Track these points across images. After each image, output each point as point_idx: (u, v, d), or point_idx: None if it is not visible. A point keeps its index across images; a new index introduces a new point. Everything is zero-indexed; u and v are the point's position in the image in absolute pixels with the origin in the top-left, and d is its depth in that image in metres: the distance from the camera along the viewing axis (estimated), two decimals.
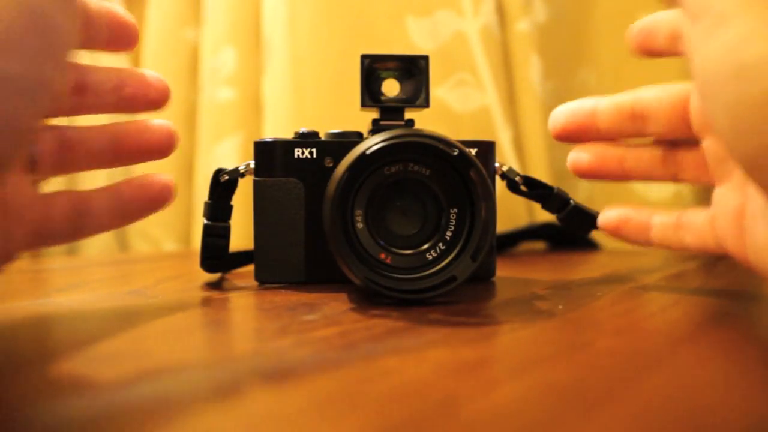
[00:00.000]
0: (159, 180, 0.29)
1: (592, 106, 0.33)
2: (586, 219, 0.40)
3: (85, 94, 0.27)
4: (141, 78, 0.28)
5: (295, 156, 0.37)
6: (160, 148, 0.28)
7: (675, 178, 0.33)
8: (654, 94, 0.32)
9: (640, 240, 0.34)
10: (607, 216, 0.35)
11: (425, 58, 0.35)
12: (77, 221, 0.26)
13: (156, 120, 0.29)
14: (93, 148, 0.27)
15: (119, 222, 0.28)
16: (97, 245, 0.77)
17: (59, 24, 0.19)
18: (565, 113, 0.34)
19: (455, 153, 0.30)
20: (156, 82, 0.28)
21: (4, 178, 0.23)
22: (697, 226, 0.31)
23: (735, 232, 0.29)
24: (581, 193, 0.68)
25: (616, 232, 0.34)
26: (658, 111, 0.31)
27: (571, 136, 0.34)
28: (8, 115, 0.18)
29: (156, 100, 0.28)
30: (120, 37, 0.28)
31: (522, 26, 0.66)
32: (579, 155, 0.34)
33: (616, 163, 0.34)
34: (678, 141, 0.32)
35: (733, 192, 0.29)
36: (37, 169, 0.26)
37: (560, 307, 0.30)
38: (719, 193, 0.30)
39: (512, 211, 0.63)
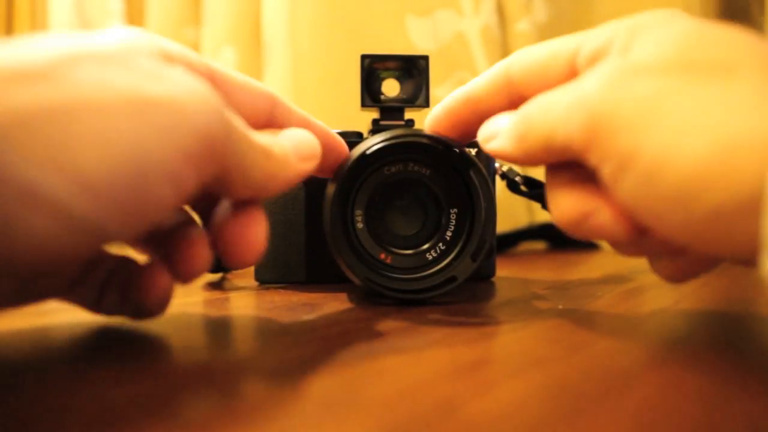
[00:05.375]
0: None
1: None
2: None
3: None
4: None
5: None
6: None
7: None
8: None
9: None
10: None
11: (425, 58, 0.35)
12: (103, 293, 0.25)
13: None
14: None
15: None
16: None
17: (159, 195, 0.18)
18: None
19: (455, 153, 0.30)
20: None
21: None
22: None
23: None
24: None
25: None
26: None
27: None
28: (48, 243, 0.16)
29: None
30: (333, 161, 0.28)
31: (522, 26, 0.66)
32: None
33: None
34: None
35: None
36: (102, 304, 0.25)
37: (560, 307, 0.30)
38: None
39: (512, 211, 0.63)
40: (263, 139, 0.23)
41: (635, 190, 0.20)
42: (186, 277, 0.23)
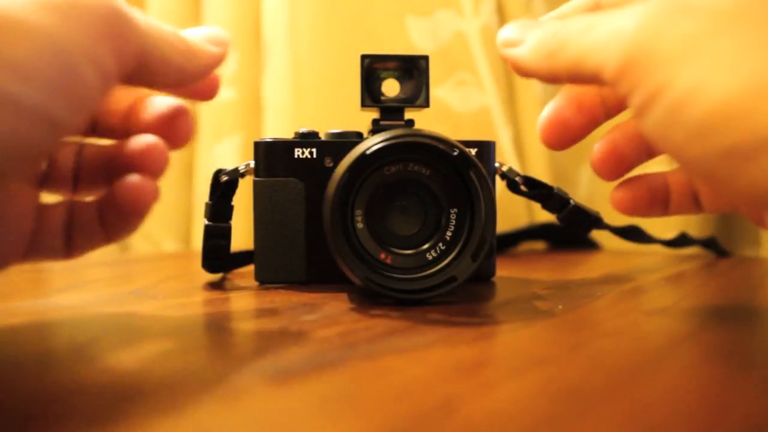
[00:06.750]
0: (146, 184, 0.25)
1: None
2: (586, 219, 0.40)
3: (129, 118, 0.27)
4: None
5: (295, 156, 0.37)
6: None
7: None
8: None
9: (659, 212, 0.29)
10: (622, 196, 0.29)
11: (425, 58, 0.35)
12: (71, 236, 0.26)
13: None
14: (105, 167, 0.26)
15: (110, 237, 0.27)
16: None
17: (86, 75, 0.21)
18: None
19: (455, 153, 0.30)
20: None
21: (5, 188, 0.23)
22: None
23: None
24: (581, 193, 0.68)
25: (639, 212, 0.29)
26: None
27: None
28: (15, 139, 0.19)
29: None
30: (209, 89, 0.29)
31: None
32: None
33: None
34: None
35: None
36: (47, 184, 0.26)
37: (560, 307, 0.30)
38: None
39: (512, 211, 0.63)
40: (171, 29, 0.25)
41: (660, 121, 0.20)
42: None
